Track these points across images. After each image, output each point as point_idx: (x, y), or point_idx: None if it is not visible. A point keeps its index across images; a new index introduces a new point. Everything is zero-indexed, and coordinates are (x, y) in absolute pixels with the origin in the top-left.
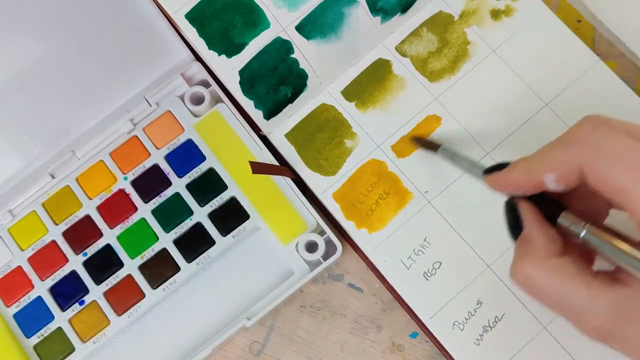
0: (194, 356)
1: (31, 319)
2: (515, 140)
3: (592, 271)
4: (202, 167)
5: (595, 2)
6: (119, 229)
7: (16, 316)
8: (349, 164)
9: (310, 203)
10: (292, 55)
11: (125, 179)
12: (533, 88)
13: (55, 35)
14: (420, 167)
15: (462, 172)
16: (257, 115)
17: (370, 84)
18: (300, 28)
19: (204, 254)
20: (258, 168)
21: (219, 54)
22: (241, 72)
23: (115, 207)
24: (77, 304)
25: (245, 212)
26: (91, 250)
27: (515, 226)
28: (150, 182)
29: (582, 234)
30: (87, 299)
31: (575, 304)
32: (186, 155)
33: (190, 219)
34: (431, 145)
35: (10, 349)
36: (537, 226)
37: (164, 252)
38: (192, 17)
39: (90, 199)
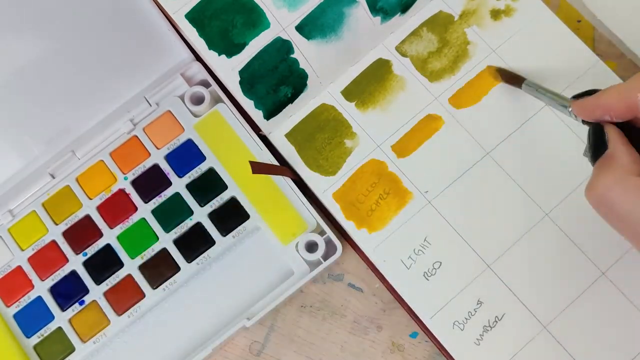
0: (194, 356)
1: (31, 319)
2: (516, 140)
3: None
4: (202, 167)
5: (595, 2)
6: (119, 229)
7: (16, 316)
8: (349, 164)
9: (310, 203)
10: (292, 55)
11: (125, 179)
12: None
13: (55, 35)
14: (420, 167)
15: (545, 104)
16: (257, 115)
17: (370, 84)
18: (300, 28)
19: (204, 254)
20: (258, 168)
21: (219, 54)
22: (241, 72)
23: (115, 207)
24: (77, 304)
25: (245, 212)
26: (91, 250)
27: (597, 148)
28: (150, 182)
29: None
30: (87, 299)
31: None
32: (186, 155)
33: (190, 219)
34: (515, 79)
35: (10, 349)
36: (622, 145)
37: (164, 252)
38: (192, 17)
39: (90, 199)
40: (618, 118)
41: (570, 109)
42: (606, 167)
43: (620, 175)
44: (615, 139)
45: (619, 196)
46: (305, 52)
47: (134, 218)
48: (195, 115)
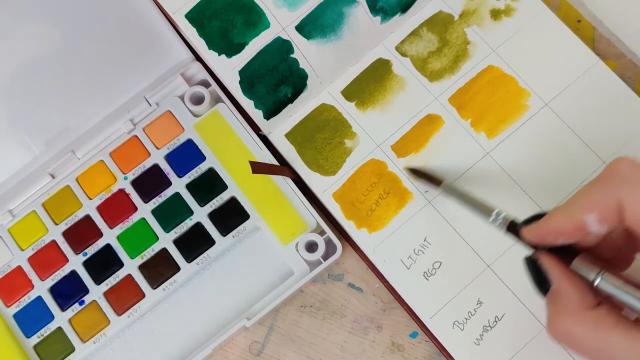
0: (194, 356)
1: (31, 319)
2: (516, 139)
3: (629, 320)
4: (202, 167)
5: (595, 2)
6: (119, 229)
7: (16, 316)
8: (349, 163)
9: (310, 203)
10: (292, 55)
11: (125, 178)
12: (533, 88)
13: (55, 35)
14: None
15: (468, 211)
16: (257, 115)
17: (370, 83)
18: (300, 28)
19: (204, 254)
20: (258, 168)
21: (219, 54)
22: (241, 72)
23: (115, 207)
24: (77, 304)
25: (245, 212)
26: (91, 250)
27: (541, 282)
28: (150, 182)
29: (597, 281)
30: (87, 299)
31: (616, 354)
32: (186, 155)
33: (190, 219)
34: (432, 180)
35: (10, 349)
36: (565, 280)
37: (164, 252)
38: (192, 17)
39: (90, 199)
40: (568, 240)
41: (492, 219)
42: (559, 306)
43: (575, 314)
44: (556, 273)
45: (581, 335)
46: (305, 52)
47: (134, 218)
48: (195, 115)
